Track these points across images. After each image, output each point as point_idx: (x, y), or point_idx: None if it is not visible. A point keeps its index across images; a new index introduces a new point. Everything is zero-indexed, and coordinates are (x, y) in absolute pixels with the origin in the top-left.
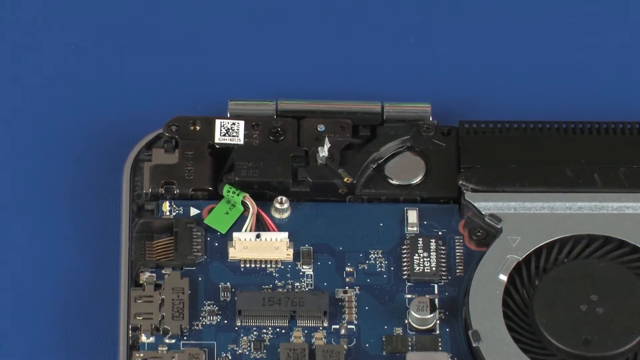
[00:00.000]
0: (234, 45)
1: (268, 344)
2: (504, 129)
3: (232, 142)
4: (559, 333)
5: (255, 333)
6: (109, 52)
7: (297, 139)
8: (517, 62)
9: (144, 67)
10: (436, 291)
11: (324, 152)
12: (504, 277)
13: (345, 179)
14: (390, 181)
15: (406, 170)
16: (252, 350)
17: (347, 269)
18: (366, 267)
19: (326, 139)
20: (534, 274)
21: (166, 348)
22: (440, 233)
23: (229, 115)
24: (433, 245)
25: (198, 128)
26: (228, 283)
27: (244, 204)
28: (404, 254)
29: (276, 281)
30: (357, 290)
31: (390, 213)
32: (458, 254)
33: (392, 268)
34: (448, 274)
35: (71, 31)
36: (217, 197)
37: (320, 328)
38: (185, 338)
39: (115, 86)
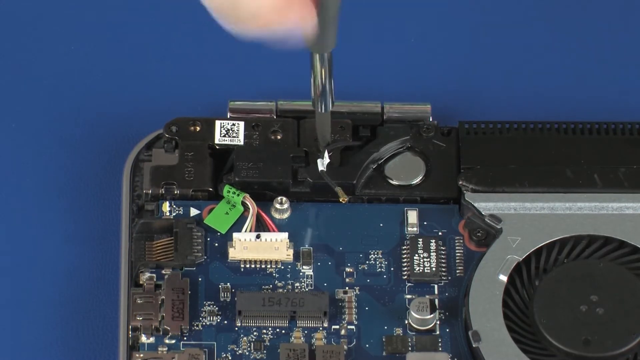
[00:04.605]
0: (234, 45)
1: (268, 344)
2: (504, 129)
3: (232, 143)
4: (559, 333)
5: (255, 333)
6: (109, 53)
7: (297, 140)
8: (517, 63)
9: (144, 67)
10: (436, 292)
11: (322, 165)
12: (504, 278)
13: (342, 199)
14: (390, 181)
15: (406, 170)
16: (252, 351)
17: (347, 269)
18: (366, 268)
19: (325, 152)
20: (534, 275)
21: (166, 348)
22: (440, 233)
23: (229, 116)
24: (433, 245)
25: (198, 129)
26: (228, 283)
27: (244, 204)
28: (404, 254)
29: (276, 281)
30: (357, 291)
31: (390, 213)
32: (458, 254)
33: (392, 268)
34: (448, 275)
35: (71, 31)
36: (217, 197)
37: (320, 328)
38: (185, 338)
39: (116, 87)
